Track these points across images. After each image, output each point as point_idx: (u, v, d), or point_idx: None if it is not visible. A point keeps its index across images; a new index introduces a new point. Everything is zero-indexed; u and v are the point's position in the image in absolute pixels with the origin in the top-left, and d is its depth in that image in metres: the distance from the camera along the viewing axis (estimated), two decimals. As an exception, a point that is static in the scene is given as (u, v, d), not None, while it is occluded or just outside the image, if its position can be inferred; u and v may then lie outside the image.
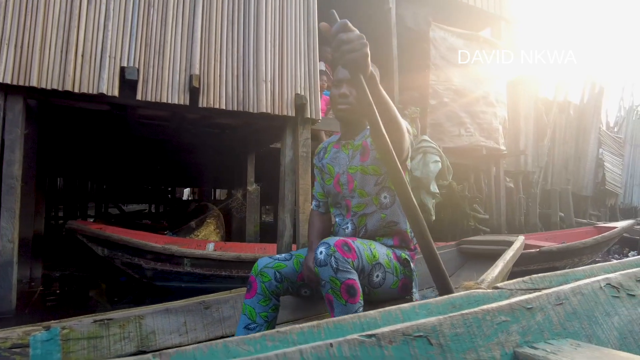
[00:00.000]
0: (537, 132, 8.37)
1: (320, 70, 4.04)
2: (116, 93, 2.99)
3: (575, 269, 1.08)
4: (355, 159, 1.44)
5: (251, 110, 3.33)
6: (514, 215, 7.38)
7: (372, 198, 1.42)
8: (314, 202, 1.65)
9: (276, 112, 3.44)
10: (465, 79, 5.86)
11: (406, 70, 5.96)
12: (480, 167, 6.64)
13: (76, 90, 2.86)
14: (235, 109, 3.28)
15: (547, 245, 4.09)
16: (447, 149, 5.61)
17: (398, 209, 1.41)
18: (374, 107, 1.03)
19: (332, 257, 1.14)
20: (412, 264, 1.41)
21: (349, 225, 1.45)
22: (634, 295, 0.86)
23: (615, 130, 12.47)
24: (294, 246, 3.70)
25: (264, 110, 3.38)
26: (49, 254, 4.57)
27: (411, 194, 1.12)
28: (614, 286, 0.85)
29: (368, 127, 1.37)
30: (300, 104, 3.54)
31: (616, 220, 9.65)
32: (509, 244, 1.96)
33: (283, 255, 1.42)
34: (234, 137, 4.74)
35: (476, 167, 6.65)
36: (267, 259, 1.38)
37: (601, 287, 0.84)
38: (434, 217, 5.28)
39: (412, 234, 1.44)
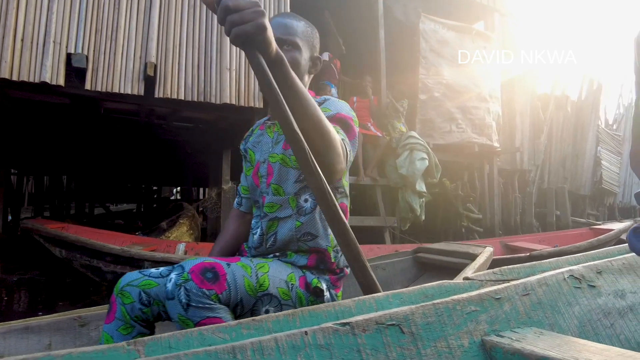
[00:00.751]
0: (533, 129, 8.10)
1: (324, 61, 3.77)
2: (62, 82, 2.73)
3: (542, 261, 1.12)
4: (279, 145, 1.12)
5: (213, 101, 3.07)
6: (510, 215, 7.12)
7: (289, 198, 1.09)
8: (236, 199, 1.34)
9: (242, 104, 3.17)
10: (457, 74, 5.59)
11: (394, 64, 5.71)
12: (474, 164, 6.38)
13: (14, 79, 2.60)
14: (196, 99, 3.02)
15: (539, 248, 3.82)
16: (438, 146, 5.35)
17: (319, 219, 1.09)
18: (283, 103, 0.74)
19: (182, 288, 0.83)
20: (327, 293, 1.06)
21: (258, 230, 1.14)
22: (594, 286, 0.89)
23: (614, 127, 12.20)
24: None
25: (228, 101, 3.11)
26: (10, 256, 4.31)
27: (335, 202, 0.83)
28: (576, 277, 0.89)
29: None
30: (269, 95, 3.28)
31: (615, 219, 9.39)
32: (472, 257, 1.68)
33: (160, 270, 1.01)
34: (208, 132, 4.48)
35: (470, 164, 6.39)
36: (135, 274, 1.01)
37: (565, 279, 0.87)
38: (423, 217, 5.02)
39: (337, 254, 1.11)
